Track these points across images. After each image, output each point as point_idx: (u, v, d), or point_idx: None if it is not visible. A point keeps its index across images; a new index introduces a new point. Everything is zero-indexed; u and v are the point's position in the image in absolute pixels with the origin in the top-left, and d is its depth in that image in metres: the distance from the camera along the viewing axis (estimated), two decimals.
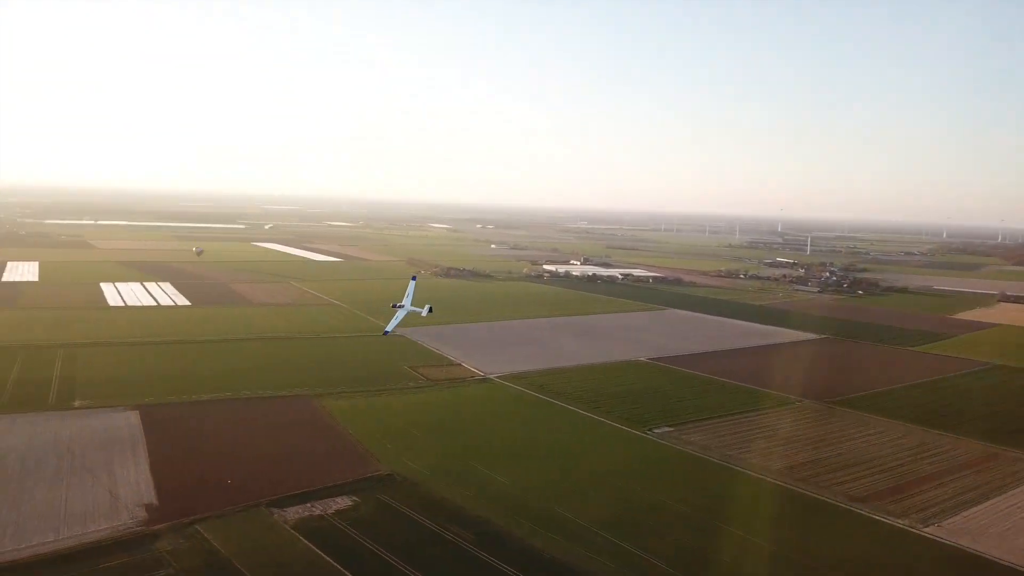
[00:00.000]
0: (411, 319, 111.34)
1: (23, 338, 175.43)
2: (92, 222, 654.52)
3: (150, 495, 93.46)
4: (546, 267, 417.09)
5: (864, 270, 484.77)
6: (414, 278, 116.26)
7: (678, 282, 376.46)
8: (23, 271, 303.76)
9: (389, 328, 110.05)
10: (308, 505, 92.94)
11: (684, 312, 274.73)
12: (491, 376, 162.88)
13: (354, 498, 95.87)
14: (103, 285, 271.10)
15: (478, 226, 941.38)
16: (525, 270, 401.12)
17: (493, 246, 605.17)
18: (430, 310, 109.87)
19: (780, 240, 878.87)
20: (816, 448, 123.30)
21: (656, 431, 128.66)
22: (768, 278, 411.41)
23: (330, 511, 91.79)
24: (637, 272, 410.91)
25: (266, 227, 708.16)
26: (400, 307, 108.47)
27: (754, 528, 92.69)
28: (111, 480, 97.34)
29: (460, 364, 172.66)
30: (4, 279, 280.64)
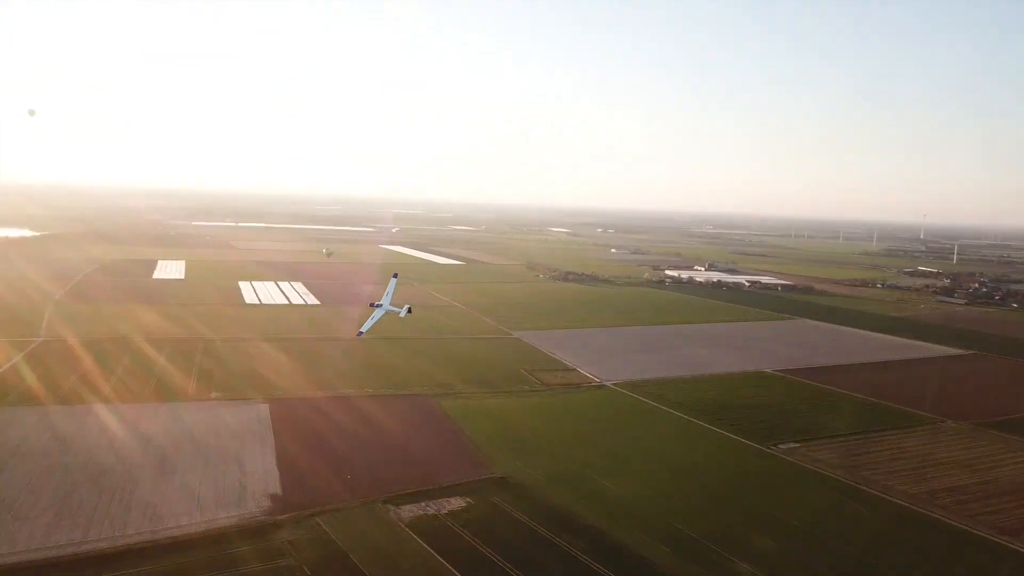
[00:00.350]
0: (390, 321, 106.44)
1: (168, 332, 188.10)
2: (233, 224, 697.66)
3: (275, 486, 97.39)
4: (668, 273, 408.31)
5: (1020, 281, 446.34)
6: (395, 276, 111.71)
7: (809, 290, 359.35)
8: (171, 269, 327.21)
9: (364, 329, 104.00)
10: (423, 504, 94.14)
11: (815, 322, 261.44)
12: (607, 383, 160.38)
13: (468, 499, 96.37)
14: (241, 283, 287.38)
15: (598, 230, 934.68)
16: (646, 275, 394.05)
17: (613, 250, 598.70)
18: (408, 311, 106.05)
19: (923, 248, 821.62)
20: (960, 473, 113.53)
21: (781, 447, 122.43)
22: (909, 288, 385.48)
23: (443, 511, 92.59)
24: (765, 279, 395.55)
25: (393, 230, 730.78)
26: (378, 306, 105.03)
27: (889, 559, 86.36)
28: (241, 469, 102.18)
29: (576, 370, 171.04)
30: (155, 276, 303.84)
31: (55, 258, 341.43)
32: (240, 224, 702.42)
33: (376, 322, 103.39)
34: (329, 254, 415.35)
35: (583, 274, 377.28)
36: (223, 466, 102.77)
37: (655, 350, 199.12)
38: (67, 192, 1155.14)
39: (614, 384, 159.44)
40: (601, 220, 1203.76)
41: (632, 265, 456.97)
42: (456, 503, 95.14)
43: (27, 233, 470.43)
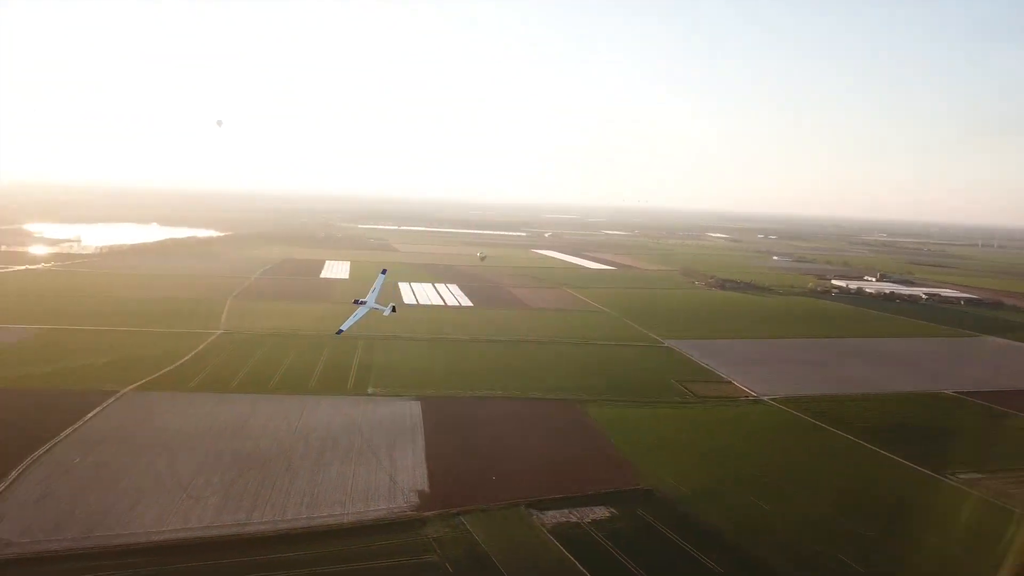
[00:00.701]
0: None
1: (331, 328, 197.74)
2: (396, 227, 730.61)
3: (423, 482, 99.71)
4: (834, 282, 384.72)
5: None
6: (384, 272, 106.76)
7: (998, 306, 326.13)
8: (337, 269, 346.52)
9: (344, 327, 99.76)
10: (566, 511, 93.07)
11: (1004, 340, 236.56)
12: (764, 397, 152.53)
13: (612, 509, 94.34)
14: (400, 284, 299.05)
15: (759, 236, 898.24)
16: (810, 285, 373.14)
17: (775, 257, 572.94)
18: (393, 309, 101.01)
19: None
20: None
21: (960, 476, 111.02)
22: None
23: (587, 520, 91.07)
24: (945, 292, 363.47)
25: (546, 235, 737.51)
26: (362, 303, 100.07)
27: None
28: (391, 464, 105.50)
29: (731, 382, 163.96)
30: (322, 276, 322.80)
31: (236, 256, 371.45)
32: (402, 227, 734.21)
33: (358, 320, 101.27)
34: (483, 257, 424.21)
35: (742, 282, 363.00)
36: (375, 460, 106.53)
37: (818, 365, 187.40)
38: (232, 196, 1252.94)
39: (772, 399, 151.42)
40: (763, 226, 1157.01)
41: (795, 273, 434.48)
42: (600, 512, 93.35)
43: (213, 233, 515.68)
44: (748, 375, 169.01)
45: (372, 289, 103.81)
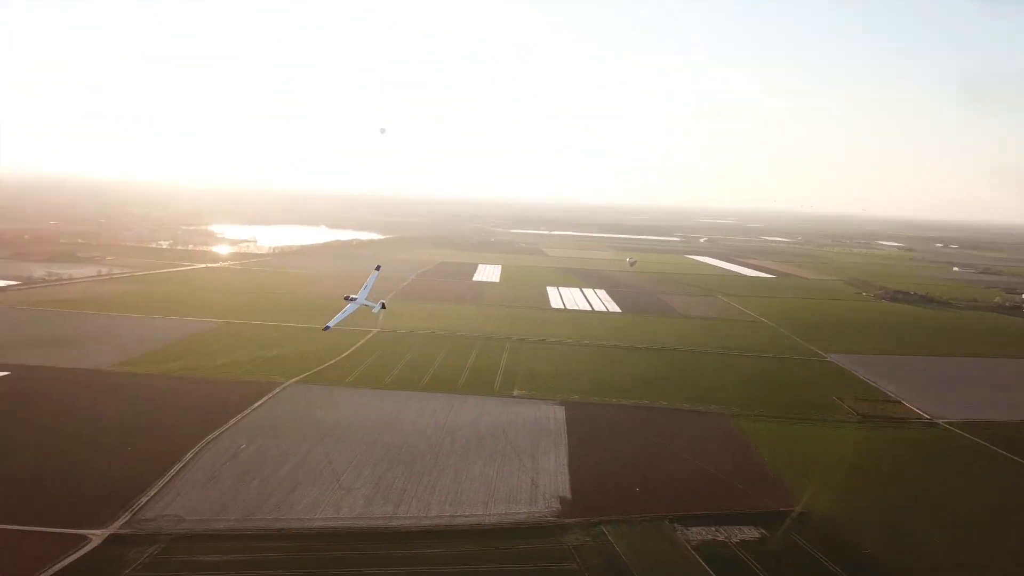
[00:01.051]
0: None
1: (481, 330, 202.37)
2: (547, 232, 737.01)
3: (565, 488, 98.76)
4: None
5: None
6: (377, 268, 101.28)
7: None
8: (489, 273, 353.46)
9: (332, 323, 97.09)
10: (712, 529, 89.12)
11: None
12: (938, 421, 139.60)
13: (762, 531, 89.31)
14: (549, 289, 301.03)
15: (938, 245, 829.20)
16: (996, 299, 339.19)
17: (956, 268, 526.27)
18: (383, 306, 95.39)
19: None
20: None
21: None
22: None
23: (734, 540, 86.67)
24: None
25: (701, 240, 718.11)
26: (352, 300, 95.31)
27: None
28: (534, 467, 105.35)
29: (900, 402, 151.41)
30: (474, 279, 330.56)
31: (395, 259, 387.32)
32: (552, 232, 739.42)
33: (347, 317, 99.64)
34: (632, 263, 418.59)
35: (916, 294, 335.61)
36: (518, 463, 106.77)
37: (1004, 388, 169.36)
38: (381, 200, 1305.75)
39: (947, 423, 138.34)
40: (942, 235, 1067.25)
41: (979, 286, 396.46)
42: (749, 533, 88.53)
43: (375, 236, 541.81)
44: (920, 395, 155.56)
45: (364, 286, 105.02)
